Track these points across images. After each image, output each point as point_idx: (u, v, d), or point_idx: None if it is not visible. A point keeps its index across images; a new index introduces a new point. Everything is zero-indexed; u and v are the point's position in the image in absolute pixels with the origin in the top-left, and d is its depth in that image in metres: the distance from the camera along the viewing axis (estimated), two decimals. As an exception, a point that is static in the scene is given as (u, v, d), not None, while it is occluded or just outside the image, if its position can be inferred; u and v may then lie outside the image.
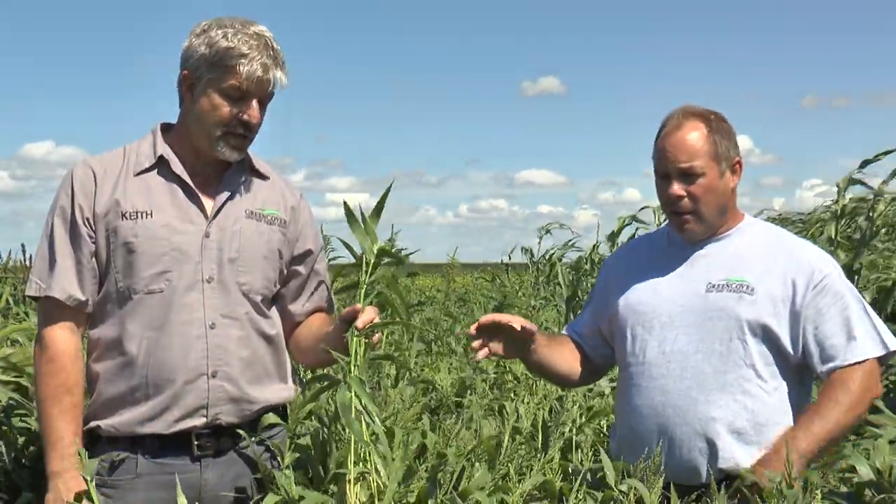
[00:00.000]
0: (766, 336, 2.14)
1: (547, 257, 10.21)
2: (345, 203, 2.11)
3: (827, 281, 2.15)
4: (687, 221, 2.19)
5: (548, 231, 8.91)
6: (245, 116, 2.06)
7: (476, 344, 2.22)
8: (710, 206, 2.18)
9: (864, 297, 5.05)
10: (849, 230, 5.78)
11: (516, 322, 2.22)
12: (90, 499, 1.83)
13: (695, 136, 2.15)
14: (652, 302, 2.24)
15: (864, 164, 5.29)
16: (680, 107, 2.23)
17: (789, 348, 2.15)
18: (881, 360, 2.17)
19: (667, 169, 2.17)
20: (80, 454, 1.86)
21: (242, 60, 2.02)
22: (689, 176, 2.15)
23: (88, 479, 1.84)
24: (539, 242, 9.51)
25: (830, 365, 2.12)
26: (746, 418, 2.12)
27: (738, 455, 2.12)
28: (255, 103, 2.07)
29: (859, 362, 2.10)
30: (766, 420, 2.13)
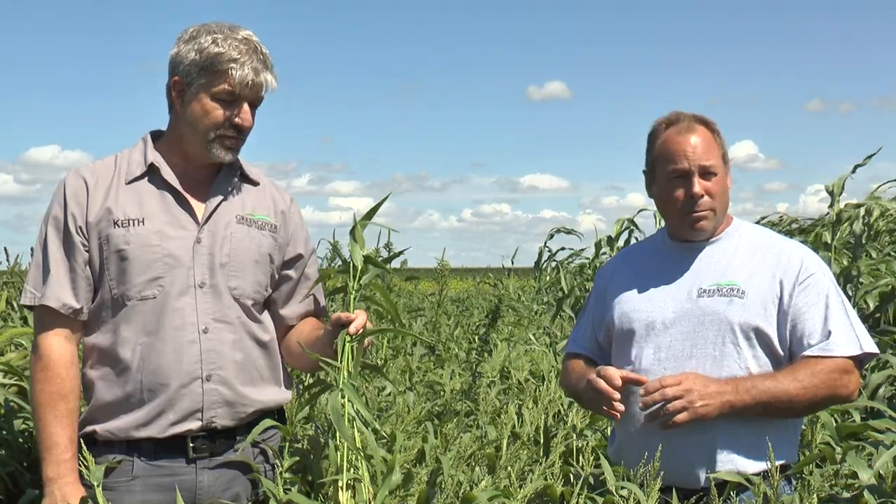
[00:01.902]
0: (759, 338, 2.15)
1: (553, 264, 10.18)
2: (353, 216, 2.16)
3: (811, 280, 2.17)
4: (705, 218, 2.21)
5: (552, 236, 8.89)
6: (237, 120, 2.09)
7: (621, 406, 2.15)
8: (722, 205, 2.23)
9: (867, 302, 5.03)
10: (846, 235, 5.78)
11: (642, 379, 2.16)
12: (95, 502, 1.83)
13: (708, 136, 2.21)
14: (646, 309, 2.25)
15: (856, 168, 5.35)
16: (672, 113, 2.26)
17: (779, 348, 2.16)
18: (860, 365, 2.17)
19: (687, 168, 2.18)
20: (85, 460, 1.86)
21: (233, 65, 2.04)
22: (708, 174, 2.19)
23: (95, 484, 1.85)
24: (544, 246, 9.47)
25: (805, 354, 2.13)
26: (742, 421, 2.12)
27: (736, 458, 2.12)
28: (246, 106, 2.09)
29: (832, 356, 2.11)
30: (762, 422, 2.13)
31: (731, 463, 2.11)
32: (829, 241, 5.27)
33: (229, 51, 2.04)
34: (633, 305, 2.28)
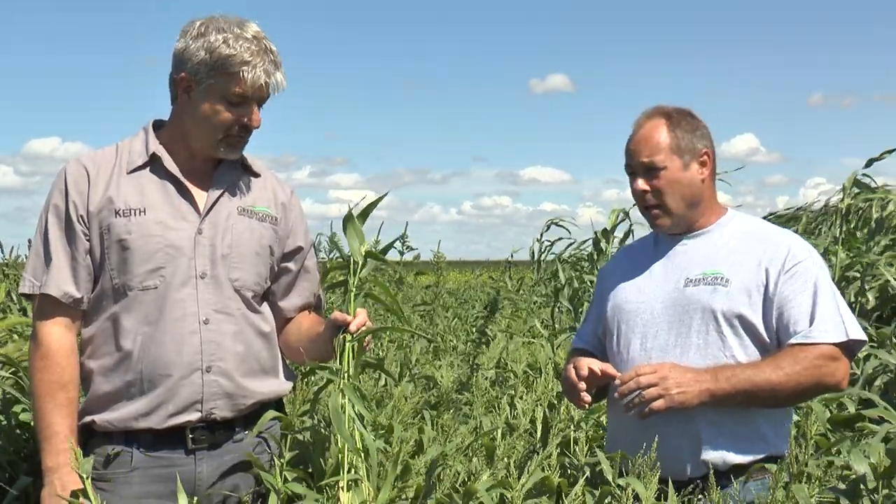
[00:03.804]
0: (744, 325, 2.15)
1: (551, 256, 10.14)
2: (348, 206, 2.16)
3: (799, 267, 2.16)
4: (656, 216, 2.26)
5: (548, 227, 8.86)
6: (246, 120, 2.09)
7: (587, 397, 2.21)
8: (676, 199, 2.23)
9: (867, 296, 5.02)
10: (853, 229, 5.76)
11: (615, 374, 2.19)
12: (86, 496, 1.82)
13: (654, 132, 2.23)
14: (636, 300, 2.28)
15: (870, 162, 5.28)
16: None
17: (765, 336, 2.16)
18: (849, 353, 2.15)
19: (631, 165, 2.26)
20: (74, 452, 1.85)
21: (245, 68, 2.03)
22: (651, 170, 2.22)
23: (84, 476, 1.83)
24: (539, 238, 9.43)
25: (790, 342, 2.12)
26: (728, 412, 2.12)
27: (723, 447, 2.13)
28: (255, 107, 2.09)
29: (816, 343, 2.10)
30: (750, 413, 2.14)
31: (716, 454, 2.12)
32: (836, 235, 5.24)
33: (241, 53, 2.03)
34: (625, 297, 2.31)
